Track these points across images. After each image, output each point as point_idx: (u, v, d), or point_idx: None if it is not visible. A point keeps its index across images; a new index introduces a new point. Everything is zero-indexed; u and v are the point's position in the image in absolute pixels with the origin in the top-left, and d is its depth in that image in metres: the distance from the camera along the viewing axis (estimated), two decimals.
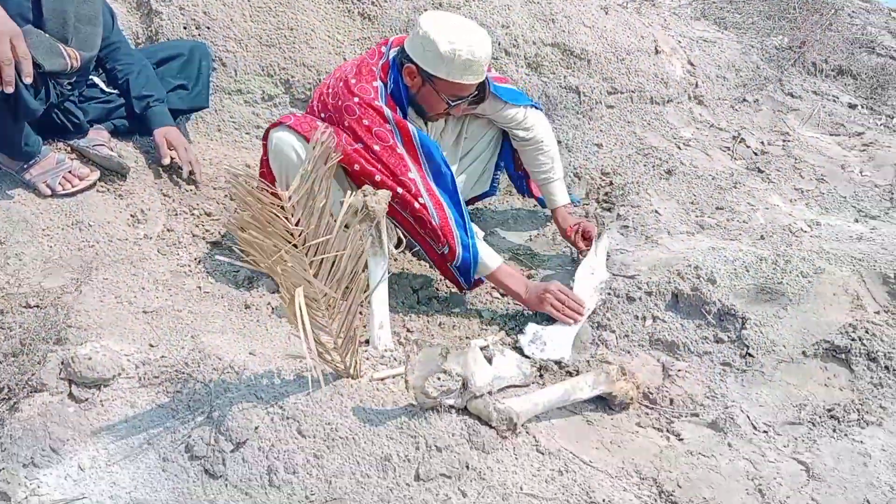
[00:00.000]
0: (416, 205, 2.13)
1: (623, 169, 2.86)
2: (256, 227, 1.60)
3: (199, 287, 2.20)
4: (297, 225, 1.62)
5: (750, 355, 1.97)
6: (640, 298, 2.15)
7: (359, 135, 2.12)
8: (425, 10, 3.22)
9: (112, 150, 2.43)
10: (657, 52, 3.34)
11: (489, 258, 2.20)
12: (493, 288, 2.35)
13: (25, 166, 2.29)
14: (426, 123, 2.31)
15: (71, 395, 1.72)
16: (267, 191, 1.60)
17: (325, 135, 1.65)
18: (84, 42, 2.35)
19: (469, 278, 2.24)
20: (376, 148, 2.12)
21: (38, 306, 1.93)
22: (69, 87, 2.41)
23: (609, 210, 2.68)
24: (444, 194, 2.18)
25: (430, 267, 2.38)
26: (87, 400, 1.71)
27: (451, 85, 2.12)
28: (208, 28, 3.02)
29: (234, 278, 2.28)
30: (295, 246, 1.63)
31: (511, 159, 2.62)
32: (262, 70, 3.08)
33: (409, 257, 2.52)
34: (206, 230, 2.47)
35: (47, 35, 2.22)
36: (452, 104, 2.18)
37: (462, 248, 2.17)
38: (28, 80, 1.90)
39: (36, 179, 2.29)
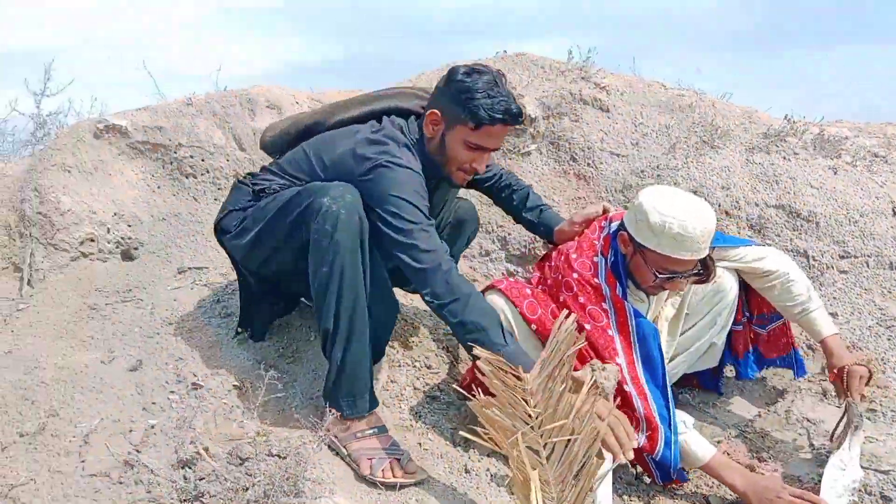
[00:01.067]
0: None
1: (863, 342, 2.62)
2: (498, 407, 1.64)
3: (420, 444, 2.25)
4: (535, 407, 1.64)
5: None
6: None
7: (572, 311, 2.11)
8: (641, 171, 3.27)
9: None
10: (895, 213, 3.11)
11: (701, 449, 2.08)
12: None
13: (358, 434, 2.09)
14: (648, 296, 2.27)
15: None
16: (509, 373, 1.64)
17: (568, 320, 1.68)
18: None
19: (666, 475, 2.12)
20: (587, 327, 2.12)
21: (279, 455, 2.06)
22: None
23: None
24: (650, 383, 2.10)
25: None
26: None
27: (661, 258, 2.08)
28: None
29: (452, 437, 2.32)
30: (532, 428, 1.64)
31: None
32: (481, 227, 3.23)
33: None
34: (426, 383, 2.55)
35: None
36: (660, 276, 2.12)
37: (664, 444, 2.05)
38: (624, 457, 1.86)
39: (360, 454, 2.05)
